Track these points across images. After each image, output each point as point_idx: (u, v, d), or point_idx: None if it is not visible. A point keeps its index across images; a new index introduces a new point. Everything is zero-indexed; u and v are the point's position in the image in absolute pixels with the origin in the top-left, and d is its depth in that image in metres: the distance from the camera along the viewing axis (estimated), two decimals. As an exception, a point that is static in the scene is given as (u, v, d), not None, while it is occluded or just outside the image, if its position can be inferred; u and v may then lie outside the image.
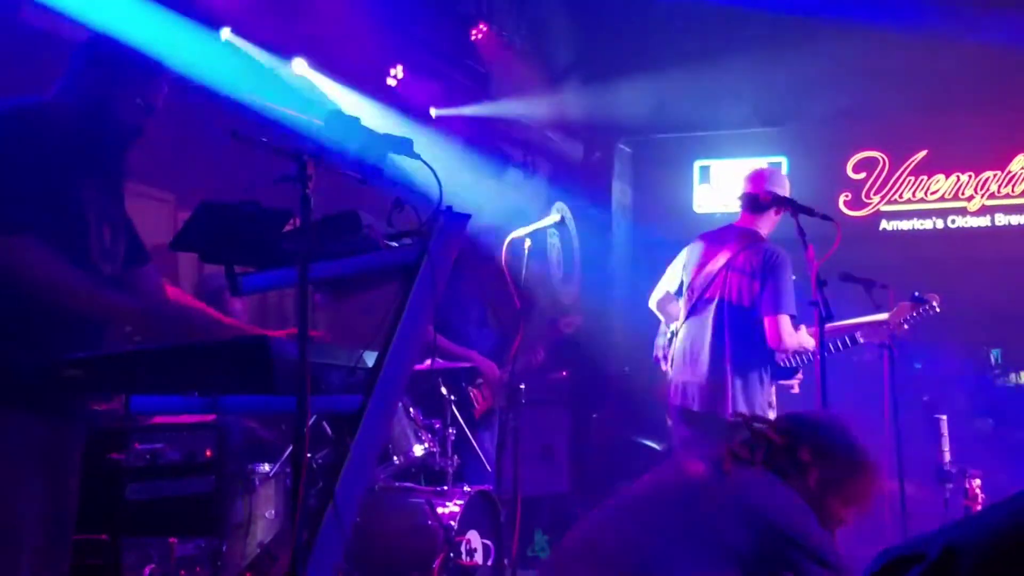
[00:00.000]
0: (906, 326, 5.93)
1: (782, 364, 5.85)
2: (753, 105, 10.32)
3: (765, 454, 3.18)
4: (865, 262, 6.16)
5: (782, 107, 10.19)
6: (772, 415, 6.11)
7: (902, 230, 10.12)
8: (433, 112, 8.39)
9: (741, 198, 5.95)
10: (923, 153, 10.04)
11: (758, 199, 5.81)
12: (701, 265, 5.87)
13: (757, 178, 5.91)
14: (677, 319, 6.04)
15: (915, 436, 6.05)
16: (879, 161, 10.20)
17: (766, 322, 5.57)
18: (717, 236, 6.00)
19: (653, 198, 10.96)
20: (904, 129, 10.02)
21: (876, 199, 10.19)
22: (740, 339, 5.65)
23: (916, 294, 5.93)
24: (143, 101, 3.33)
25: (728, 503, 3.04)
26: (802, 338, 5.73)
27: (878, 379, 6.26)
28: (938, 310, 5.96)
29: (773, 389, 5.87)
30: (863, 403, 7.41)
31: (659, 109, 10.12)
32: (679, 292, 6.04)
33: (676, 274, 6.06)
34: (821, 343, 4.92)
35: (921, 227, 10.08)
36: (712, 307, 5.74)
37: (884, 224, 10.18)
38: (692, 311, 5.85)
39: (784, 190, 5.86)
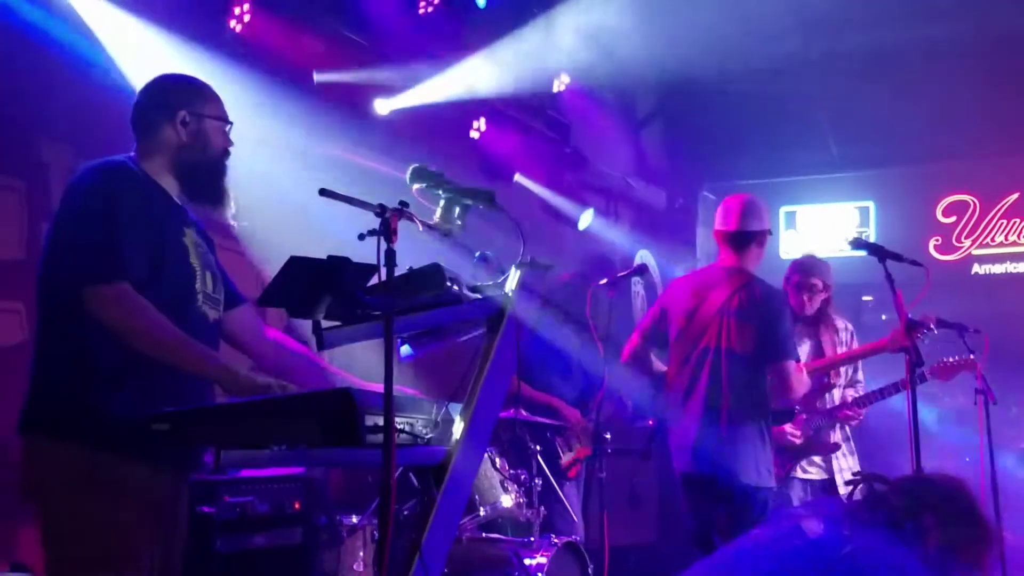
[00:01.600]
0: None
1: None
2: (839, 149, 10.23)
3: (886, 516, 3.11)
4: (957, 307, 6.04)
5: (869, 151, 10.08)
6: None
7: (995, 274, 9.93)
8: (517, 177, 8.42)
9: (717, 236, 5.49)
10: (1015, 196, 9.87)
11: (741, 235, 5.40)
12: (691, 311, 5.37)
13: (733, 213, 5.42)
14: (656, 373, 5.64)
15: (1013, 483, 5.90)
16: (970, 204, 10.04)
17: (773, 371, 5.20)
18: (702, 278, 5.55)
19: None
20: (994, 171, 9.85)
21: (967, 243, 10.02)
22: (740, 389, 5.21)
23: (910, 317, 5.41)
24: (224, 120, 3.49)
25: (845, 567, 2.98)
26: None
27: (973, 424, 6.13)
28: (936, 331, 5.68)
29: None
30: (958, 449, 7.27)
31: (743, 154, 10.08)
32: (656, 342, 5.60)
33: (655, 323, 5.59)
34: (913, 390, 4.82)
35: (1015, 270, 9.88)
36: (708, 356, 5.27)
37: (976, 268, 10.00)
38: (685, 362, 5.36)
39: (764, 221, 5.48)
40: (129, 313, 3.09)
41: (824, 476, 6.01)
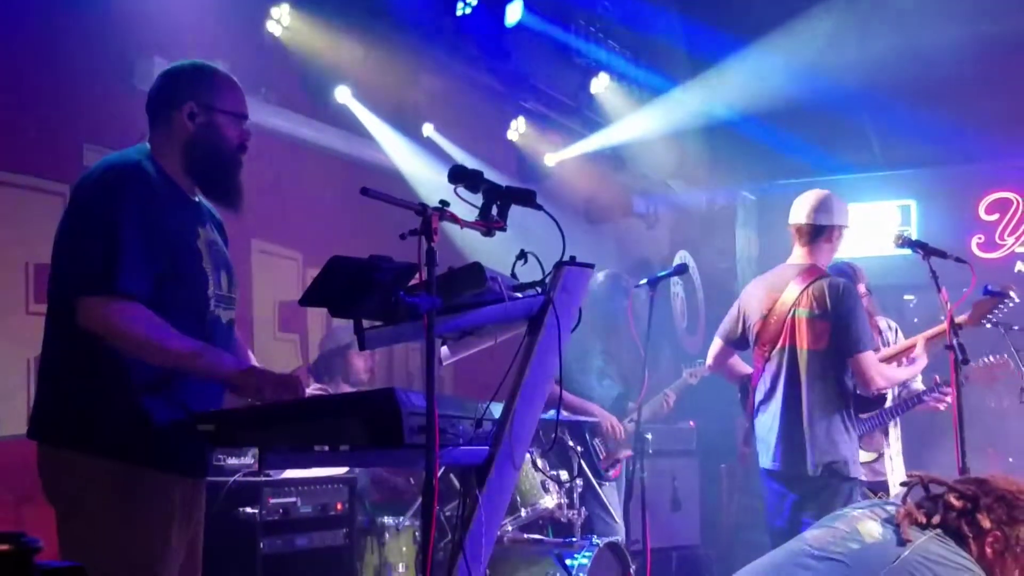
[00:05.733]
0: (988, 324, 5.57)
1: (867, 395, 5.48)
2: (881, 147, 10.14)
3: (943, 517, 3.09)
4: (1000, 305, 5.96)
5: (911, 149, 9.99)
6: (885, 453, 5.95)
7: (1039, 271, 9.82)
8: (551, 159, 8.41)
9: (791, 229, 5.53)
10: (1058, 192, 9.77)
11: (810, 229, 5.43)
12: (765, 312, 5.44)
13: (805, 206, 5.45)
14: (741, 375, 5.71)
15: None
16: (1012, 202, 9.94)
17: (850, 364, 5.23)
18: (774, 278, 5.56)
19: (779, 245, 10.73)
20: (1038, 169, 9.74)
21: (1010, 240, 9.92)
22: (818, 384, 5.25)
23: (989, 287, 5.47)
24: (238, 114, 3.31)
25: (903, 568, 2.96)
26: (895, 371, 5.53)
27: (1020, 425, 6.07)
28: (1017, 300, 5.55)
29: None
30: (1003, 453, 7.20)
31: (784, 154, 10.01)
32: (738, 344, 5.67)
33: (734, 326, 5.65)
34: (957, 389, 4.77)
35: (1058, 268, 9.78)
36: (785, 355, 5.33)
37: (1019, 265, 9.89)
38: (766, 362, 5.41)
39: (841, 217, 5.48)
40: (123, 327, 2.99)
41: (871, 478, 5.89)
